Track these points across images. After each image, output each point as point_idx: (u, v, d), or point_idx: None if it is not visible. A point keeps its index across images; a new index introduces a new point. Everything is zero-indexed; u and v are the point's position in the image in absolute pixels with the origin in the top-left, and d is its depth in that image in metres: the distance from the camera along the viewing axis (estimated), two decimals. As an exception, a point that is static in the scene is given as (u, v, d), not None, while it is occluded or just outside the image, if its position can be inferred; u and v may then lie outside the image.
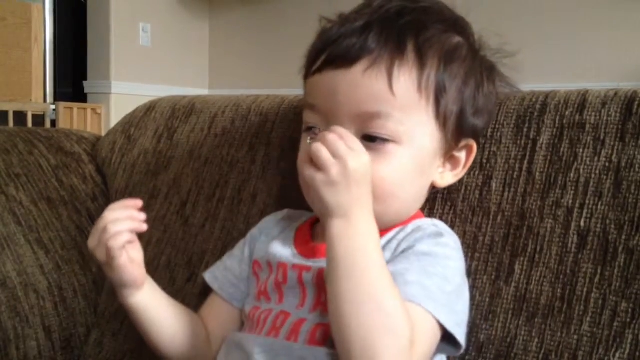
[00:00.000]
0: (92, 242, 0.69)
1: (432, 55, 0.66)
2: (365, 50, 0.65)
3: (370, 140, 0.65)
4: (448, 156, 0.72)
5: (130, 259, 0.69)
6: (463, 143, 0.72)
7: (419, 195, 0.71)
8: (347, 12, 0.71)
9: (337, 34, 0.67)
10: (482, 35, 0.73)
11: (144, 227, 0.69)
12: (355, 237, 0.60)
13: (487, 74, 0.72)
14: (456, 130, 0.70)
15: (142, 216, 0.69)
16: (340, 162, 0.60)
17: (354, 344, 0.56)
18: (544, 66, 3.00)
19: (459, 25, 0.71)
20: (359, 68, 0.64)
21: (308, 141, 0.67)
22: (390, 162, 0.66)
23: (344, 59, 0.65)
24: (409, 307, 0.59)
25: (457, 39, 0.70)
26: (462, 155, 0.73)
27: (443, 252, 0.66)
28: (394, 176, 0.66)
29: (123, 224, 0.68)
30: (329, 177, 0.60)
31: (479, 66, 0.71)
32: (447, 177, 0.73)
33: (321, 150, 0.60)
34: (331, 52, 0.66)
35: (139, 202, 0.70)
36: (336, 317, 0.58)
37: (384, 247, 0.67)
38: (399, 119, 0.65)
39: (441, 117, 0.68)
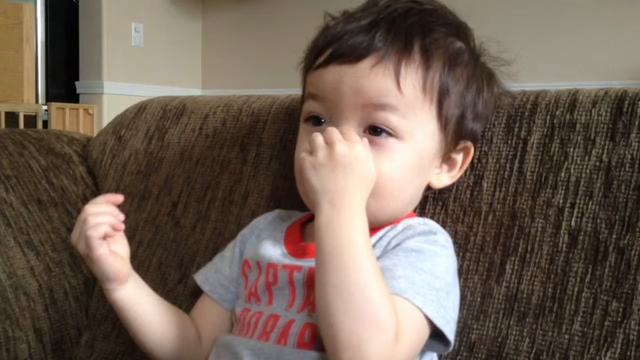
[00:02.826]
0: (74, 236, 0.70)
1: (437, 58, 0.67)
2: (372, 48, 0.65)
3: (374, 133, 0.66)
4: (446, 157, 0.72)
5: (111, 252, 0.69)
6: (461, 145, 0.72)
7: (415, 195, 0.72)
8: (351, 10, 0.71)
9: (342, 30, 0.67)
10: (482, 42, 0.74)
11: (122, 226, 0.70)
12: (342, 227, 0.59)
13: (487, 80, 0.73)
14: (456, 133, 0.70)
15: (122, 216, 0.70)
16: (329, 146, 0.62)
17: (339, 336, 0.56)
18: (537, 65, 3.01)
19: (461, 31, 0.72)
20: (365, 64, 0.65)
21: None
22: (391, 158, 0.66)
23: (350, 56, 0.65)
24: (397, 301, 0.59)
25: (459, 44, 0.70)
26: (459, 157, 0.73)
27: (432, 248, 0.66)
28: (394, 172, 0.66)
29: (103, 216, 0.69)
30: (316, 159, 0.62)
31: (480, 72, 0.72)
32: (443, 178, 0.73)
33: (317, 136, 0.63)
34: (336, 48, 0.66)
35: (119, 198, 0.71)
36: (322, 308, 0.58)
37: (374, 245, 0.67)
38: (403, 114, 0.66)
39: (443, 119, 0.68)
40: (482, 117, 0.73)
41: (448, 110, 0.68)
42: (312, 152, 0.63)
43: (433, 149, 0.69)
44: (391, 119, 0.65)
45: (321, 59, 0.68)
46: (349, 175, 0.61)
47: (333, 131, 0.63)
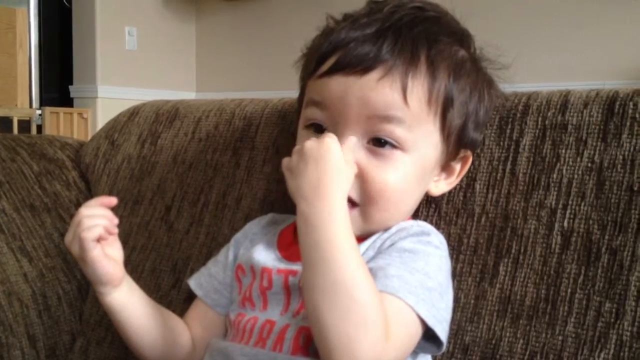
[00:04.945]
0: (68, 237, 0.70)
1: (443, 69, 0.67)
2: (379, 59, 0.64)
3: (379, 144, 0.65)
4: (445, 166, 0.72)
5: (105, 254, 0.69)
6: (461, 154, 0.72)
7: (415, 205, 0.72)
8: (353, 13, 0.70)
9: (347, 38, 0.66)
10: (483, 47, 0.73)
11: (116, 229, 0.70)
12: (320, 223, 0.58)
13: (488, 88, 0.73)
14: (457, 143, 0.70)
15: (115, 219, 0.70)
16: (302, 144, 0.62)
17: (328, 336, 0.56)
18: (529, 66, 3.01)
19: (464, 39, 0.72)
20: (372, 76, 0.64)
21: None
22: (395, 169, 0.66)
23: (357, 67, 0.65)
24: (389, 299, 0.59)
25: (462, 52, 0.70)
26: (457, 165, 0.73)
27: (425, 249, 0.66)
28: (398, 183, 0.66)
29: (97, 219, 0.69)
30: (291, 161, 0.63)
31: (482, 81, 0.72)
32: (441, 186, 0.73)
33: (298, 142, 0.64)
34: (342, 57, 0.66)
35: (113, 200, 0.71)
36: (310, 309, 0.58)
37: (368, 248, 0.67)
38: (408, 127, 0.65)
39: (446, 130, 0.68)
40: (482, 125, 0.74)
41: (452, 121, 0.68)
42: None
43: (435, 159, 0.69)
44: (396, 131, 0.65)
45: (325, 67, 0.67)
46: (320, 167, 0.60)
47: (311, 136, 0.64)
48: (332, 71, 0.66)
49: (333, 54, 0.66)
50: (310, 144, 0.61)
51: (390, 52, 0.64)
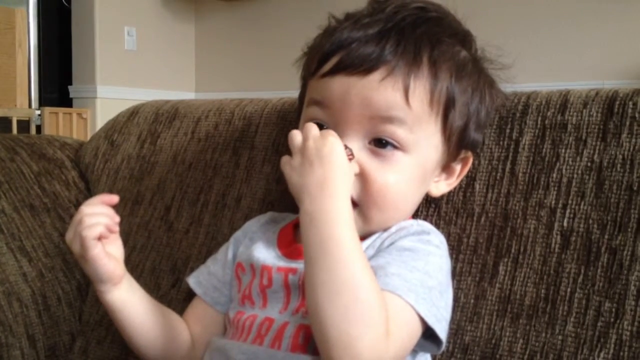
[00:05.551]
0: (69, 235, 0.69)
1: (445, 70, 0.67)
2: (382, 60, 0.64)
3: (380, 145, 0.65)
4: (445, 167, 0.72)
5: (105, 253, 0.69)
6: (462, 155, 0.72)
7: (415, 206, 0.72)
8: (355, 13, 0.70)
9: (350, 38, 0.66)
10: (484, 48, 0.73)
11: (117, 228, 0.70)
12: (325, 221, 0.58)
13: (489, 89, 0.73)
14: (458, 144, 0.70)
15: (117, 218, 0.70)
16: (304, 142, 0.62)
17: (330, 334, 0.56)
18: (530, 66, 3.01)
19: (466, 39, 0.72)
20: (375, 77, 0.64)
21: None
22: (396, 170, 0.66)
23: (359, 67, 0.65)
24: (389, 297, 0.59)
25: (464, 53, 0.70)
26: (458, 166, 0.73)
27: (425, 248, 0.66)
28: (399, 185, 0.66)
29: (98, 217, 0.68)
30: (294, 159, 0.62)
31: (483, 82, 0.72)
32: (441, 187, 0.73)
33: (295, 135, 0.63)
34: (344, 57, 0.66)
35: (115, 198, 0.71)
36: (312, 306, 0.57)
37: (368, 247, 0.67)
38: (410, 128, 0.65)
39: (447, 130, 0.68)
40: (484, 126, 0.74)
41: (453, 122, 0.68)
42: (291, 152, 0.63)
43: (436, 160, 0.69)
44: (398, 132, 0.65)
45: (327, 67, 0.67)
46: (325, 165, 0.60)
47: (311, 129, 0.63)
48: (335, 71, 0.66)
49: (335, 54, 0.66)
50: (314, 143, 0.61)
51: (393, 53, 0.65)
